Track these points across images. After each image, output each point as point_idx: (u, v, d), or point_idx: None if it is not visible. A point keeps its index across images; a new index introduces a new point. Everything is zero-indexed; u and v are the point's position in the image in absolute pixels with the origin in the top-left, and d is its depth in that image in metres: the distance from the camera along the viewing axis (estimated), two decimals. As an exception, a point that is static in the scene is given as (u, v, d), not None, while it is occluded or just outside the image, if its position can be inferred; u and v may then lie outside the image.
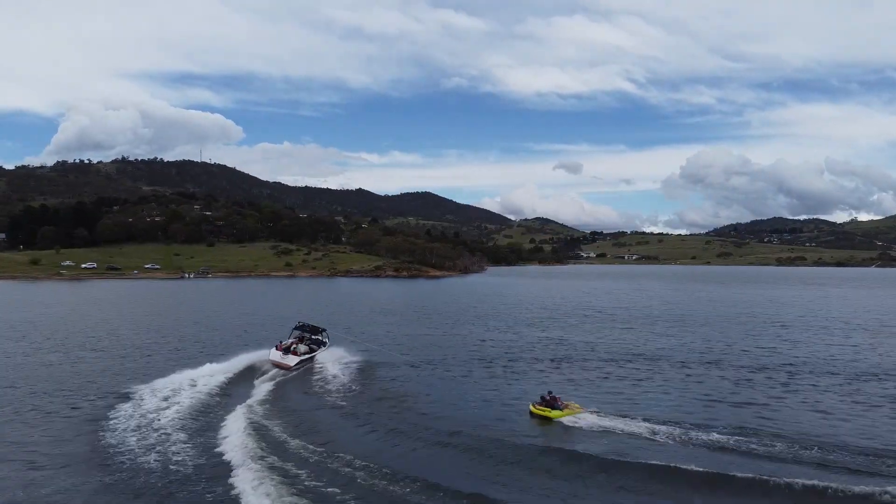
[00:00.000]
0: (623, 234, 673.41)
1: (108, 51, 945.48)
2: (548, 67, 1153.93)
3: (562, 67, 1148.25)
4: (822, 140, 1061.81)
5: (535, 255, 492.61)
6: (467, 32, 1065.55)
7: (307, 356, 45.73)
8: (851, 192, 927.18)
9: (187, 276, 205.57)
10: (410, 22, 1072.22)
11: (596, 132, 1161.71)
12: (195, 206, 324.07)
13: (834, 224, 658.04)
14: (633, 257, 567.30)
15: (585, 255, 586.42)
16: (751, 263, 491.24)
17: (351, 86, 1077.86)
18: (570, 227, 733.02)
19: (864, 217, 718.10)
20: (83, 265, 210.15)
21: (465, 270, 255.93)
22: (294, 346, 46.43)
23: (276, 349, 45.19)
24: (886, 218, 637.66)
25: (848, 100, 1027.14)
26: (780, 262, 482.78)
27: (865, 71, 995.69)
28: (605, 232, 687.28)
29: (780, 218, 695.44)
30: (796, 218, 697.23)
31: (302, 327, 50.64)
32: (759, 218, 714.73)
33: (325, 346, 49.16)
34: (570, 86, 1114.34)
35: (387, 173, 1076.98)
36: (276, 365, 43.55)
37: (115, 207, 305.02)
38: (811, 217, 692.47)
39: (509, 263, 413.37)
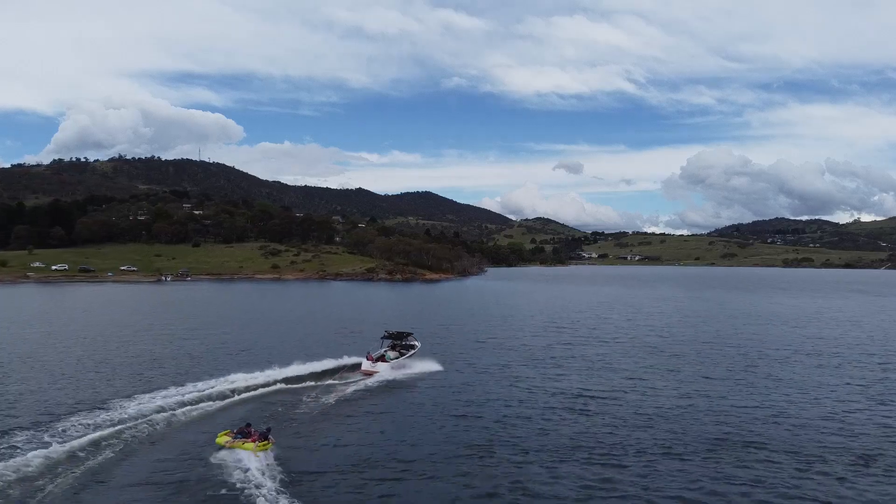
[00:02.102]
0: (624, 234, 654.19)
1: (108, 50, 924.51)
2: (548, 67, 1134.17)
3: (562, 67, 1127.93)
4: (822, 141, 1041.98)
5: (536, 256, 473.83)
6: (467, 32, 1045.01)
7: (395, 361, 46.55)
8: (852, 193, 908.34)
9: (164, 278, 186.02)
10: (410, 22, 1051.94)
11: (596, 132, 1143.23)
12: (184, 205, 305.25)
13: (837, 225, 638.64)
14: (636, 258, 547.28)
15: (587, 256, 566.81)
16: (756, 265, 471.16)
17: (351, 85, 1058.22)
18: (571, 227, 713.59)
19: (866, 218, 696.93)
20: (54, 267, 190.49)
21: (464, 273, 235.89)
22: (384, 353, 47.35)
23: (367, 359, 45.66)
24: (889, 219, 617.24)
25: (848, 100, 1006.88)
26: (787, 264, 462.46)
27: (866, 72, 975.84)
28: (606, 232, 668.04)
29: (783, 218, 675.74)
30: (798, 218, 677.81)
31: (390, 336, 50.81)
32: (760, 218, 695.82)
33: (415, 349, 49.82)
34: (570, 86, 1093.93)
35: (387, 173, 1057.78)
36: (366, 373, 44.04)
37: (102, 206, 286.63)
38: (813, 218, 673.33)
39: (510, 264, 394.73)
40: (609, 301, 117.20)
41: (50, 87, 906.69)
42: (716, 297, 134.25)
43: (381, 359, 46.36)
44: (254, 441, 26.90)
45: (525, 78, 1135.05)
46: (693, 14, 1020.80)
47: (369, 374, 43.96)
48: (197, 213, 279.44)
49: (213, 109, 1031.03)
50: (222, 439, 27.54)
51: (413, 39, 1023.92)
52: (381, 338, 50.80)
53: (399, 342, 50.30)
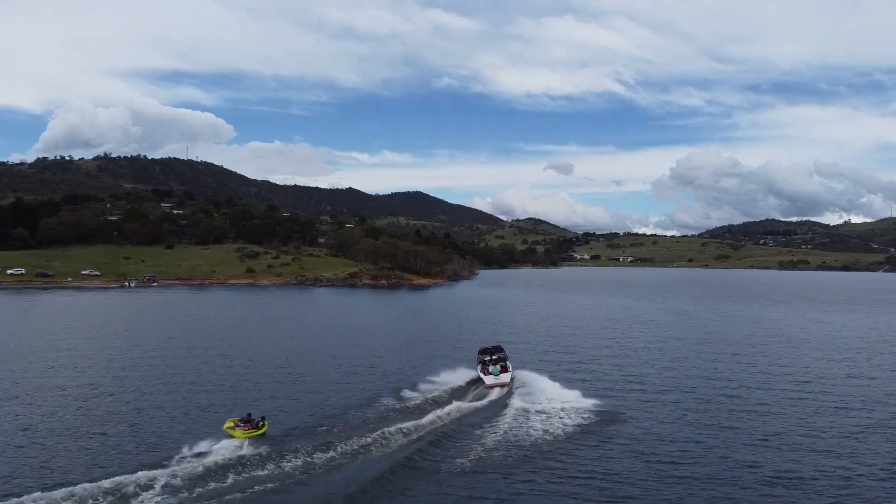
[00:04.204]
0: (616, 235, 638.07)
1: (98, 48, 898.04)
2: (538, 68, 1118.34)
3: (552, 68, 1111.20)
4: (810, 142, 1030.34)
5: (528, 257, 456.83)
6: (458, 32, 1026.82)
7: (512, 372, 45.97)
8: (841, 195, 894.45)
9: (128, 284, 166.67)
10: (401, 22, 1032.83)
11: (586, 133, 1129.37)
12: (166, 205, 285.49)
13: (827, 226, 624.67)
14: (628, 259, 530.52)
15: (579, 257, 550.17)
16: (751, 266, 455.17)
17: (342, 85, 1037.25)
18: (562, 228, 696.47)
19: (855, 219, 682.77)
20: (9, 271, 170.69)
21: (454, 277, 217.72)
22: (494, 367, 45.91)
23: (483, 374, 45.20)
24: (880, 220, 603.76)
25: (836, 102, 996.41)
26: (783, 266, 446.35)
27: (853, 74, 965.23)
28: (597, 233, 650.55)
29: (773, 219, 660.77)
30: (788, 220, 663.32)
31: (486, 351, 49.54)
32: (750, 219, 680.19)
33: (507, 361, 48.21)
34: (561, 87, 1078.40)
35: (378, 173, 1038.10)
36: (496, 385, 43.35)
37: (77, 205, 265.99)
38: (803, 219, 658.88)
39: (502, 266, 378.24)
40: (620, 318, 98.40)
41: (39, 86, 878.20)
42: (740, 311, 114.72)
43: (504, 370, 45.81)
44: (246, 429, 31.82)
45: (516, 78, 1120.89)
46: (682, 15, 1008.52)
47: (503, 385, 43.55)
48: (177, 212, 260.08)
49: (203, 108, 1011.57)
50: (227, 426, 32.30)
51: (404, 39, 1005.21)
52: (479, 352, 49.97)
53: (494, 356, 48.69)
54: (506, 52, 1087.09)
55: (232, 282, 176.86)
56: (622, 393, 43.52)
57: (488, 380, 44.03)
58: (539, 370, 48.09)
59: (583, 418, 36.01)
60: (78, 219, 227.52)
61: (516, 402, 39.04)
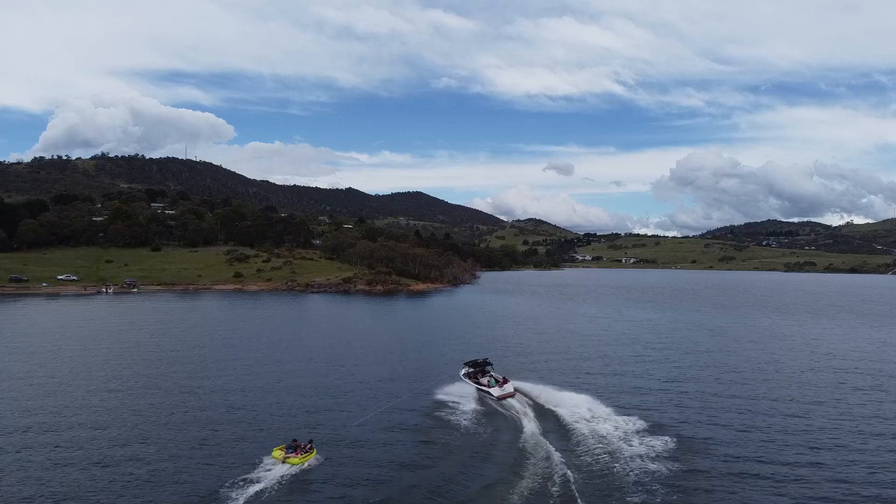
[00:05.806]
0: (617, 235, 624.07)
1: (98, 48, 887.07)
2: (537, 69, 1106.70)
3: (551, 69, 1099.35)
4: (810, 143, 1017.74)
5: (529, 259, 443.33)
6: (457, 33, 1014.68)
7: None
8: (841, 195, 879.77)
9: (105, 290, 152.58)
10: (400, 22, 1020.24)
11: (586, 134, 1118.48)
12: (158, 204, 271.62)
13: (830, 227, 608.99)
14: (631, 261, 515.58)
15: (581, 258, 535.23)
16: (756, 268, 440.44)
17: (341, 85, 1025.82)
18: (563, 229, 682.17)
19: (857, 220, 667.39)
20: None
21: (455, 281, 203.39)
22: (489, 379, 45.48)
23: (485, 386, 44.62)
24: (883, 221, 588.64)
25: (836, 103, 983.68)
26: (789, 268, 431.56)
27: (853, 75, 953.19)
28: (598, 234, 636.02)
29: (775, 220, 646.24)
30: (790, 220, 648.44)
31: (474, 363, 48.58)
32: (751, 220, 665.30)
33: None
34: (560, 87, 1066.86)
35: (378, 173, 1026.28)
36: (506, 397, 42.84)
37: (61, 206, 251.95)
38: (804, 220, 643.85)
39: (503, 268, 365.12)
40: (650, 338, 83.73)
41: (39, 85, 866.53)
42: (785, 328, 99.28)
43: (498, 383, 44.67)
44: (297, 454, 31.48)
45: (515, 79, 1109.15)
46: (681, 16, 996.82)
47: (511, 395, 42.99)
48: (168, 212, 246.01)
49: (203, 108, 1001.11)
50: (277, 454, 31.66)
51: (403, 40, 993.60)
52: (464, 363, 49.39)
53: (481, 369, 47.72)
54: (505, 53, 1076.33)
55: (218, 287, 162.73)
56: (679, 422, 40.54)
57: (495, 391, 43.54)
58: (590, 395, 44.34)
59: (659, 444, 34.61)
60: (61, 220, 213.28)
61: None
